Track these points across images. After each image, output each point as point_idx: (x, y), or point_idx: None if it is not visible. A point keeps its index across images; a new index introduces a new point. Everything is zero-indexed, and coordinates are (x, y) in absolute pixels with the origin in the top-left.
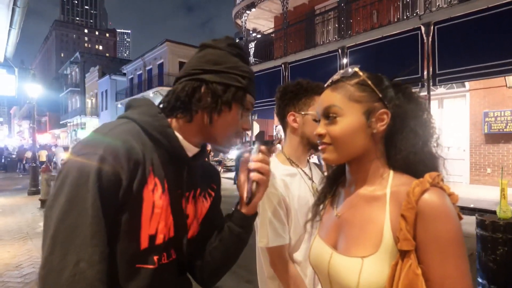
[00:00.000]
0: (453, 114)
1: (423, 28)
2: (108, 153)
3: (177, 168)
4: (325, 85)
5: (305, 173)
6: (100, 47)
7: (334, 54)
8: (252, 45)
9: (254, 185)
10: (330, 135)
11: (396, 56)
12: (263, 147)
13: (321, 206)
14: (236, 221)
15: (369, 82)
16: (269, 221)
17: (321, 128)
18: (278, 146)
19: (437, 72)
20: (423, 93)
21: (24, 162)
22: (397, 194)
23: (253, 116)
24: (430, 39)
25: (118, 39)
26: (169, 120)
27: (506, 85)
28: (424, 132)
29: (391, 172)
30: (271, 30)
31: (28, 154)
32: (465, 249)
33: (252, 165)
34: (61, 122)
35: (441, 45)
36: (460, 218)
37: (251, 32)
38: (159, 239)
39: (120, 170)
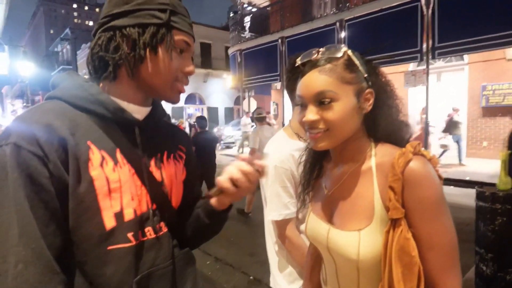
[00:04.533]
0: (451, 87)
1: (423, 0)
2: (22, 139)
3: (129, 134)
4: (302, 62)
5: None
6: (91, 23)
7: (332, 27)
8: (247, 19)
9: (217, 191)
10: (327, 121)
11: (395, 29)
12: (259, 161)
13: (307, 190)
14: (205, 213)
15: (357, 62)
16: (277, 195)
17: (313, 115)
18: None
19: (436, 45)
20: (422, 67)
21: None
22: (382, 166)
23: (250, 93)
24: (430, 11)
25: None
26: (100, 85)
27: (506, 58)
28: (394, 104)
29: (373, 145)
30: (267, 3)
31: None
32: (447, 207)
33: (232, 172)
34: None
35: (441, 17)
36: (440, 179)
37: (246, 5)
38: (128, 215)
39: (40, 154)
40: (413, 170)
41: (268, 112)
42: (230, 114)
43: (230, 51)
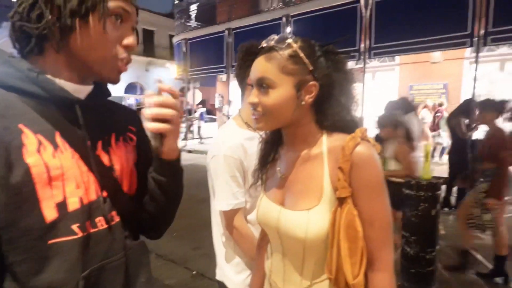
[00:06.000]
0: (384, 85)
1: (362, 1)
2: None
3: (69, 116)
4: (259, 47)
5: (262, 137)
6: None
7: (279, 22)
8: (194, 8)
9: (154, 139)
10: (262, 105)
11: (337, 28)
12: (163, 85)
13: (263, 170)
14: (158, 170)
15: (302, 55)
16: (226, 184)
17: (254, 97)
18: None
19: (372, 45)
20: (359, 65)
21: None
22: (332, 151)
23: (195, 84)
24: (368, 13)
25: None
26: (30, 60)
27: (430, 61)
28: (346, 101)
29: (324, 133)
30: None
31: None
32: (386, 188)
33: (148, 112)
34: None
35: (377, 19)
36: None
37: None
38: (73, 204)
39: None
40: (360, 152)
41: (213, 105)
42: None
43: (175, 40)
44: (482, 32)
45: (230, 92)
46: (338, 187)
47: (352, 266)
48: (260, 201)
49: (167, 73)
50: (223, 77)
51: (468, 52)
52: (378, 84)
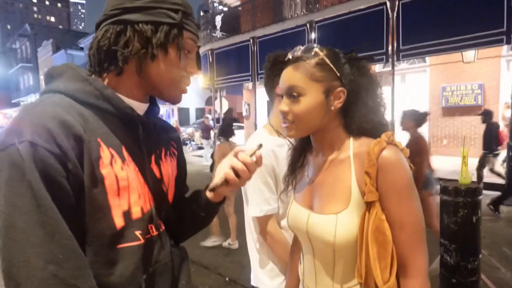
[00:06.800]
0: (414, 88)
1: (388, 3)
2: (38, 136)
3: (132, 131)
4: (286, 59)
5: (291, 143)
6: (52, 19)
7: (303, 28)
8: (218, 18)
9: (223, 181)
10: (293, 113)
11: (363, 31)
12: (259, 154)
13: (292, 176)
14: (200, 206)
15: (328, 62)
16: (259, 190)
17: (284, 106)
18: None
19: (400, 47)
20: (388, 68)
21: None
22: (359, 155)
23: (221, 93)
24: (395, 15)
25: (71, 10)
26: (102, 79)
27: (463, 60)
28: (374, 104)
29: (351, 137)
30: (238, 3)
31: None
32: (416, 191)
33: (235, 163)
34: (13, 101)
35: (405, 20)
36: (411, 168)
37: (217, 4)
38: (136, 213)
39: (58, 151)
40: (386, 157)
41: (240, 113)
42: (202, 115)
43: (201, 50)
44: None
45: (257, 100)
46: (366, 191)
47: (382, 271)
48: (290, 205)
49: (194, 83)
50: (249, 85)
51: (505, 50)
52: (408, 87)
